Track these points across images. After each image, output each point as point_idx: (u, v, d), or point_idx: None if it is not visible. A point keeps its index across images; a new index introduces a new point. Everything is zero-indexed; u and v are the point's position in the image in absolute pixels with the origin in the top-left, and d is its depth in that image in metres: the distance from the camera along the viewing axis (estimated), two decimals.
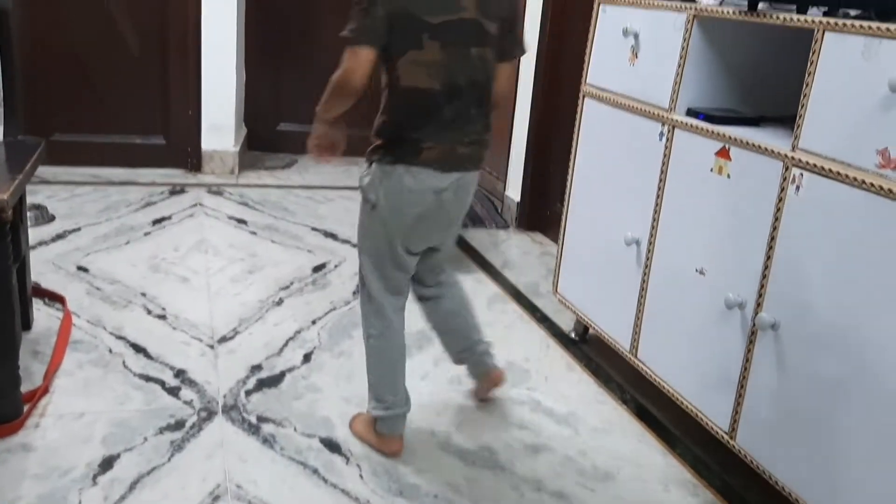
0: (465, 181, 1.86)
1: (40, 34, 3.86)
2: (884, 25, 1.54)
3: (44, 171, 3.48)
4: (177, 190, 3.96)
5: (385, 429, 1.98)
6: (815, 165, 1.68)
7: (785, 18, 1.79)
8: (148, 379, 2.23)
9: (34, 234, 3.08)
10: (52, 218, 3.37)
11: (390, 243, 1.89)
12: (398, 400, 1.97)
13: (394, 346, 1.97)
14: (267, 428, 2.06)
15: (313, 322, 2.67)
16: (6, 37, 2.16)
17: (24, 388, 2.02)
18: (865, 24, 1.58)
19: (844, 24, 1.62)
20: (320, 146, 1.89)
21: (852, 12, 1.75)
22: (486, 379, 2.24)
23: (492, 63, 1.83)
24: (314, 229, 3.56)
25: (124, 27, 4.00)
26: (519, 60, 2.18)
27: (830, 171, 1.64)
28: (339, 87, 1.76)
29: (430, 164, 1.79)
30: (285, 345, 2.51)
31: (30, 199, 2.79)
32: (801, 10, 1.80)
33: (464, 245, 3.56)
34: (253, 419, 2.09)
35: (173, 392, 2.18)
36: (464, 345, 2.17)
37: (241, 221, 3.58)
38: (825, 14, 1.77)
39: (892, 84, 1.51)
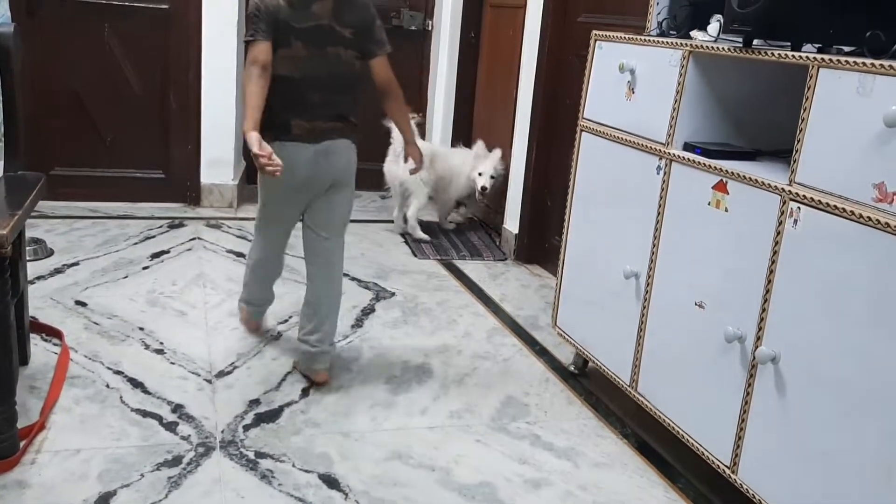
0: (334, 147, 2.34)
1: (41, 69, 3.90)
2: (877, 62, 1.56)
3: (43, 205, 3.49)
4: (175, 224, 3.97)
5: (250, 315, 2.76)
6: (812, 199, 1.69)
7: (779, 55, 1.81)
8: (145, 414, 2.22)
9: (33, 268, 3.08)
10: (51, 252, 3.37)
11: (283, 195, 2.41)
12: (263, 300, 2.74)
13: (269, 260, 2.61)
14: (265, 463, 2.05)
15: None
16: (9, 73, 2.18)
17: (21, 423, 2.00)
18: (859, 60, 1.60)
19: (838, 61, 1.64)
20: (266, 161, 2.16)
21: (846, 48, 1.78)
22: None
23: (351, 60, 2.30)
24: None
25: (125, 63, 4.04)
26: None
27: (828, 205, 1.65)
28: (249, 67, 2.21)
29: (298, 138, 2.29)
30: (283, 379, 2.50)
31: (29, 234, 2.79)
32: (796, 47, 1.83)
33: (461, 277, 3.56)
34: (251, 455, 2.08)
35: (170, 427, 2.16)
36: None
37: (240, 255, 3.58)
38: (819, 51, 1.80)
39: (887, 119, 1.52)
